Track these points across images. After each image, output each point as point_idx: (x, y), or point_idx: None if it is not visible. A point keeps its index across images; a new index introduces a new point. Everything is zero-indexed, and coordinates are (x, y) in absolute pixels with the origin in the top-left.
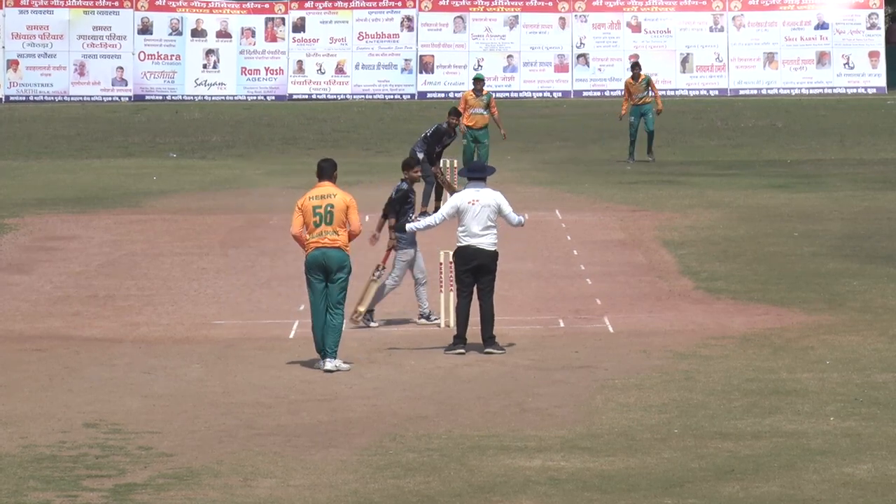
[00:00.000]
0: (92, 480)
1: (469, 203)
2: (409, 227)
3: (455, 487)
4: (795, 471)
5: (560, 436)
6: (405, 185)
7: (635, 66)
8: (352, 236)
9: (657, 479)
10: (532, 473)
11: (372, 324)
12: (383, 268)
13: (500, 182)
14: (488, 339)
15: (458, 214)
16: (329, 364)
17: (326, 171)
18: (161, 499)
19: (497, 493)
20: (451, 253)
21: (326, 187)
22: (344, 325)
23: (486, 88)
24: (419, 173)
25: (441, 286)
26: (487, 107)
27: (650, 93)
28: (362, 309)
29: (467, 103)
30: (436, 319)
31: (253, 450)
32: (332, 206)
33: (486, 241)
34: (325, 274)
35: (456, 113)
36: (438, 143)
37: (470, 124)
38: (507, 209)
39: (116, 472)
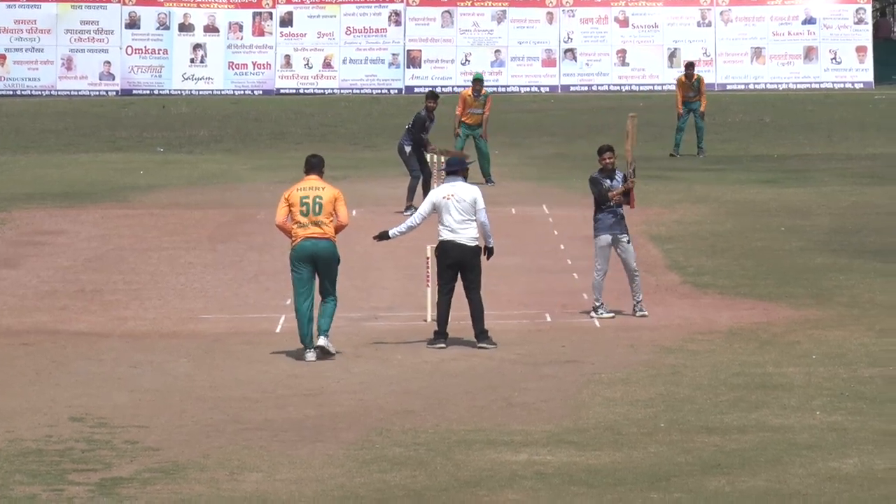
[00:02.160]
0: (78, 474)
1: (444, 198)
2: (391, 232)
3: (441, 482)
4: (781, 465)
5: (546, 430)
6: (597, 175)
7: (689, 66)
8: (339, 229)
9: (643, 473)
10: (518, 468)
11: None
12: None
13: (493, 176)
14: (480, 333)
15: (436, 210)
16: (321, 340)
17: (315, 166)
18: (147, 493)
19: (483, 487)
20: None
21: (314, 181)
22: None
23: (483, 88)
24: (611, 159)
25: (428, 281)
26: (484, 106)
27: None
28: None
29: (465, 103)
30: (604, 314)
31: (239, 444)
32: (320, 198)
33: (466, 236)
34: (313, 264)
35: (433, 96)
36: (422, 129)
37: (468, 122)
38: (481, 205)
39: (102, 466)
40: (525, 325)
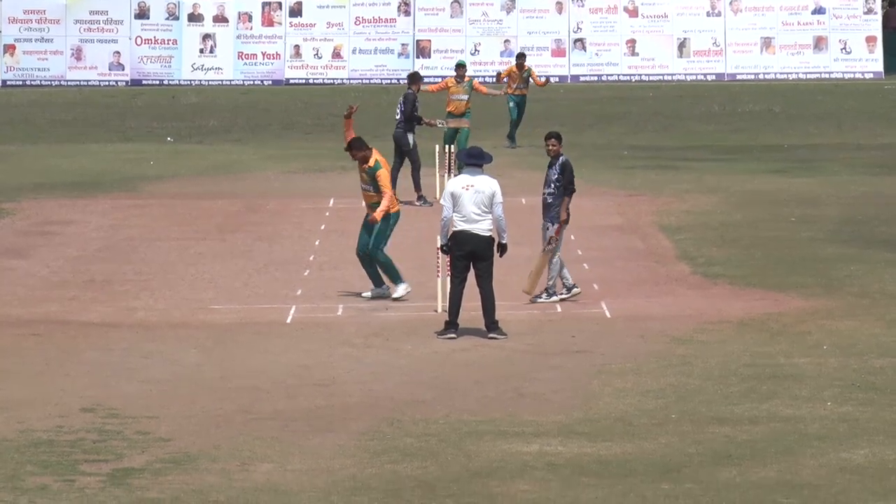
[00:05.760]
0: (89, 465)
1: (463, 188)
2: (440, 242)
3: (452, 472)
4: (793, 456)
5: (557, 421)
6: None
7: (520, 57)
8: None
9: (654, 464)
10: (529, 458)
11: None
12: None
13: (498, 166)
14: (491, 324)
15: (453, 200)
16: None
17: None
18: (159, 483)
19: (494, 477)
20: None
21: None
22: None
23: (467, 75)
24: (554, 147)
25: (438, 271)
26: (469, 92)
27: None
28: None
29: (448, 88)
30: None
31: (250, 434)
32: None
33: (481, 227)
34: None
35: (414, 78)
36: (413, 108)
37: (450, 109)
38: (499, 199)
39: (114, 457)
40: (535, 315)
